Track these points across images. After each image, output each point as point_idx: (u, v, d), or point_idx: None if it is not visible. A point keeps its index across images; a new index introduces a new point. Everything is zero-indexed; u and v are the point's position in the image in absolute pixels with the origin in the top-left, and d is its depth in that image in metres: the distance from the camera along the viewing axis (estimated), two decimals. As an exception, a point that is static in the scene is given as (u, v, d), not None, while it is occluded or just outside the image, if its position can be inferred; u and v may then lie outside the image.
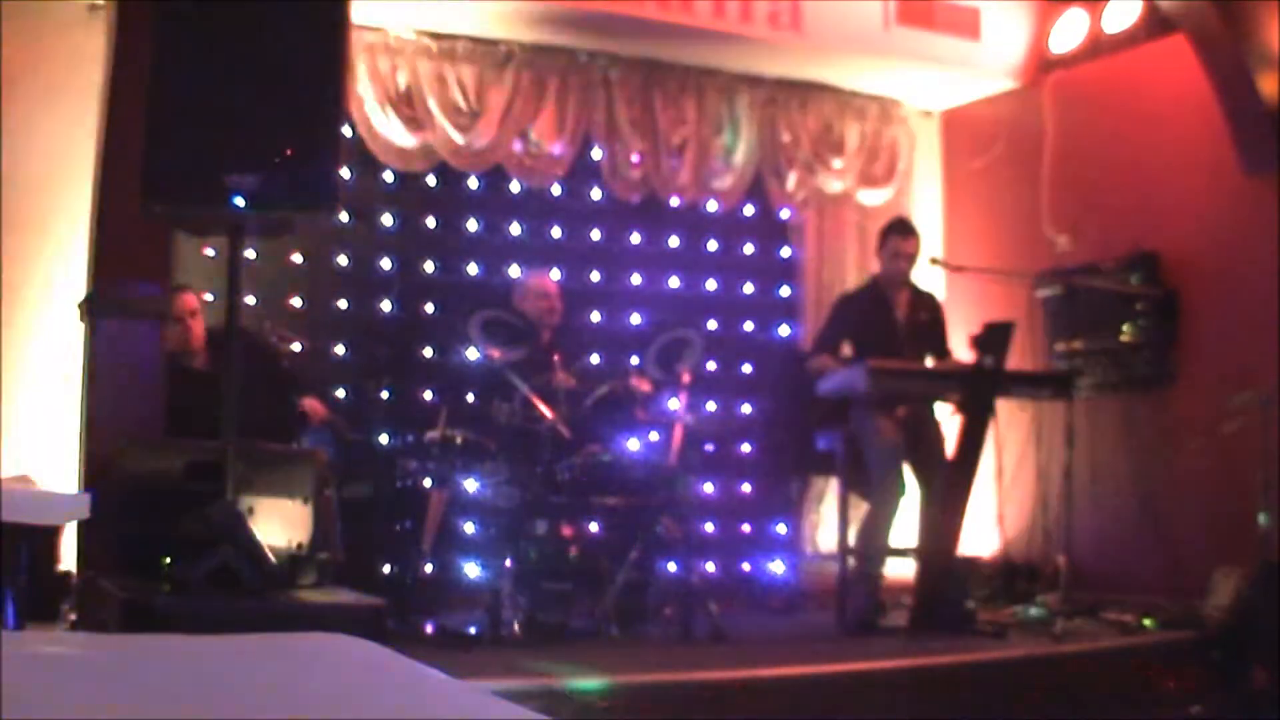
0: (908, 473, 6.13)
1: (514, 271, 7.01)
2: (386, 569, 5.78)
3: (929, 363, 6.28)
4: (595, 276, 7.33)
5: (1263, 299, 6.14)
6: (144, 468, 4.38)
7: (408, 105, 6.69)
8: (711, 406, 7.30)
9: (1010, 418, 6.54)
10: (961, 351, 6.25)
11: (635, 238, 7.46)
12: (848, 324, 6.37)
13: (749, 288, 7.71)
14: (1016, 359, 6.11)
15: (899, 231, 6.40)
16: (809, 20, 6.91)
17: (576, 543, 5.70)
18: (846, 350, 6.49)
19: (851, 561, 6.11)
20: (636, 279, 7.43)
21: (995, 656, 5.27)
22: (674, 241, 7.54)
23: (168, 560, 3.94)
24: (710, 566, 6.86)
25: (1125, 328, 6.74)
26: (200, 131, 3.95)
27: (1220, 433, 5.96)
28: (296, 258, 6.60)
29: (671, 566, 5.68)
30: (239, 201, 3.95)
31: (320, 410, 5.69)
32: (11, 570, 4.01)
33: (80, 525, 4.95)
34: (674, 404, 5.89)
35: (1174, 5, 6.61)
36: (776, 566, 7.17)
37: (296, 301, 6.58)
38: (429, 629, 5.36)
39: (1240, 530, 5.77)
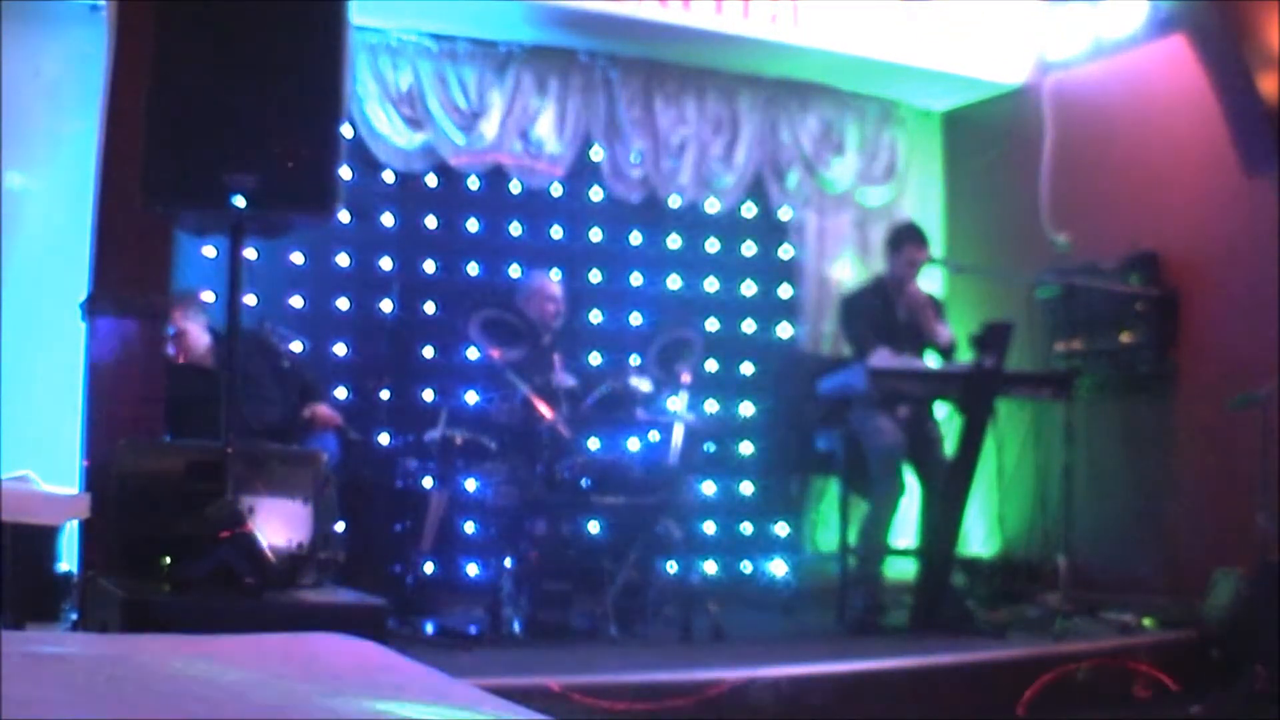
0: (908, 473, 6.13)
1: (514, 271, 7.01)
2: (387, 569, 5.78)
3: (929, 363, 6.28)
4: (595, 276, 7.32)
5: (1263, 299, 6.13)
6: (144, 468, 4.38)
7: (408, 105, 6.70)
8: (711, 406, 7.29)
9: (1010, 417, 6.54)
10: (960, 352, 6.25)
11: (635, 238, 7.45)
12: (860, 320, 6.37)
13: (749, 288, 7.70)
14: (1016, 359, 6.11)
15: (915, 241, 6.39)
16: (809, 20, 6.91)
17: (576, 543, 5.70)
18: (847, 350, 6.48)
19: (851, 561, 6.12)
20: (636, 279, 7.42)
21: (995, 656, 5.26)
22: (674, 241, 7.54)
23: (168, 560, 3.94)
24: (710, 566, 6.86)
25: (1125, 328, 6.73)
26: (200, 131, 3.95)
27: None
28: (297, 258, 6.60)
29: (671, 566, 5.68)
30: (239, 201, 3.95)
31: (330, 417, 5.69)
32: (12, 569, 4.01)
33: (80, 525, 4.95)
34: (674, 404, 5.89)
35: (1174, 5, 6.61)
36: (776, 566, 7.17)
37: (297, 301, 6.58)
38: (429, 629, 5.37)
39: (1240, 530, 5.77)
